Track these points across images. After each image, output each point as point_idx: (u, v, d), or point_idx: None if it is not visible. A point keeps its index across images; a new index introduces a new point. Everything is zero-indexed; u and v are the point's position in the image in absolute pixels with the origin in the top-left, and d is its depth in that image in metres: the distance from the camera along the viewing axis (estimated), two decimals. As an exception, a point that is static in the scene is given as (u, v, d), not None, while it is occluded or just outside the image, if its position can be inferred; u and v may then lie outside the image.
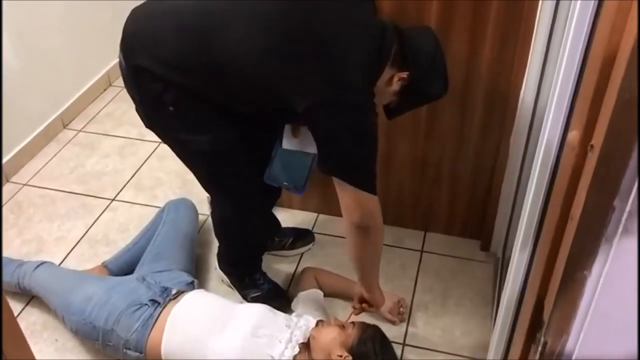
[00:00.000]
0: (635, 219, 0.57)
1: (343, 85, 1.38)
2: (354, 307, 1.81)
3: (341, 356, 1.52)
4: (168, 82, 1.45)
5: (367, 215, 1.51)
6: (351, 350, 1.53)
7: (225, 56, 1.40)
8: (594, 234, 0.59)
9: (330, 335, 1.57)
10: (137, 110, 1.58)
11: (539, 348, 0.73)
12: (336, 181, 1.46)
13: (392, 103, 1.54)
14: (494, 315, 1.78)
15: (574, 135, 0.65)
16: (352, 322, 1.62)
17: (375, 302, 1.78)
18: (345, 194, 1.47)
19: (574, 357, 0.67)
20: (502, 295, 1.38)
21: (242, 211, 1.77)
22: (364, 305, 1.81)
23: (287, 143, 1.71)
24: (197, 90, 1.47)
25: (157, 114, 1.53)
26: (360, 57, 1.39)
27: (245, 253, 1.95)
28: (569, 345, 0.67)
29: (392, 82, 1.46)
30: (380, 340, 1.60)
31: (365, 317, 1.86)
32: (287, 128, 1.71)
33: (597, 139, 0.58)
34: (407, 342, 1.82)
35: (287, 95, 1.40)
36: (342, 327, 1.59)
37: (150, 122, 1.58)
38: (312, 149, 1.61)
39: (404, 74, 1.45)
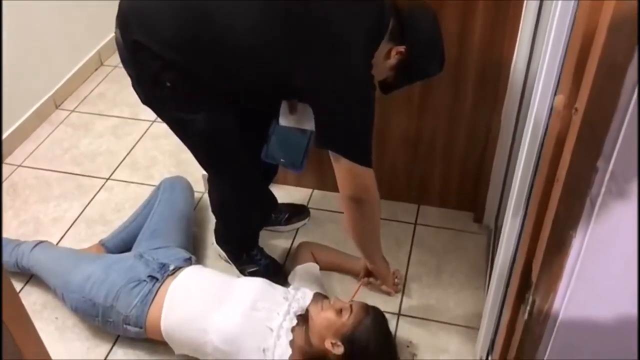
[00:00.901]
0: (617, 180, 0.59)
1: (342, 60, 1.39)
2: (362, 279, 1.84)
3: (334, 344, 1.54)
4: (166, 61, 1.44)
5: (362, 188, 1.52)
6: (344, 340, 1.54)
7: (225, 34, 1.40)
8: (578, 194, 0.62)
9: (326, 320, 1.58)
10: (133, 86, 1.58)
11: (528, 307, 0.76)
12: (332, 155, 1.48)
13: (388, 78, 1.54)
14: (487, 285, 1.82)
15: (559, 99, 0.66)
16: (351, 306, 1.60)
17: (379, 274, 1.81)
18: (341, 167, 1.49)
19: (561, 315, 0.70)
20: (495, 264, 1.41)
21: (240, 190, 1.78)
22: (370, 279, 1.83)
23: (284, 120, 1.72)
24: (195, 70, 1.48)
25: (154, 91, 1.53)
26: (359, 30, 1.40)
27: (243, 231, 1.96)
28: (556, 303, 0.69)
29: (389, 56, 1.47)
30: (375, 331, 1.58)
31: (363, 291, 1.90)
32: (284, 105, 1.72)
33: (581, 103, 0.60)
34: (402, 313, 1.86)
35: (286, 71, 1.40)
36: (340, 311, 1.58)
37: (147, 99, 1.58)
38: (309, 125, 1.62)
39: (402, 48, 1.46)
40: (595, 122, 0.58)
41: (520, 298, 0.82)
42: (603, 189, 0.60)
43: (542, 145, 1.02)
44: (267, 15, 1.38)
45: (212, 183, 1.86)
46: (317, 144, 1.52)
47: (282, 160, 1.74)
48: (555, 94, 0.95)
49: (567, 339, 0.72)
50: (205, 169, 1.80)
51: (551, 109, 0.99)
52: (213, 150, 1.66)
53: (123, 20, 1.48)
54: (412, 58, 1.48)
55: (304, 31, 1.38)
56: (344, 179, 1.51)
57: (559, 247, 0.67)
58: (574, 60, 0.62)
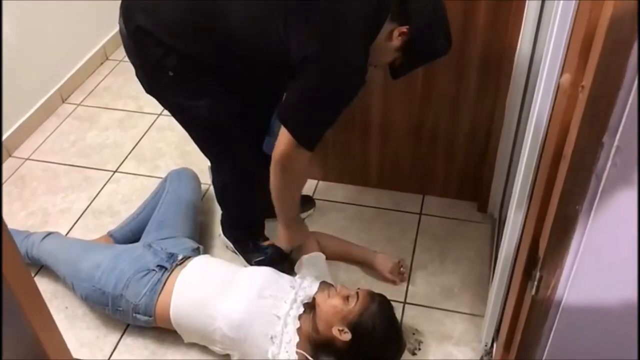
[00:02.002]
0: (623, 154, 0.61)
1: (343, 39, 1.40)
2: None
3: (341, 331, 1.56)
4: (169, 47, 1.47)
5: (293, 163, 1.54)
6: (350, 326, 1.56)
7: (225, 11, 1.42)
8: (585, 169, 0.63)
9: (332, 307, 1.60)
10: (137, 75, 1.60)
11: (535, 283, 0.78)
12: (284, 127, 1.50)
13: (396, 61, 1.53)
14: (491, 273, 1.84)
15: (565, 78, 0.68)
16: (357, 294, 1.62)
17: (280, 238, 1.84)
18: (286, 139, 1.49)
19: (567, 289, 0.71)
20: (500, 251, 1.42)
21: (241, 178, 1.80)
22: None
23: None
24: (197, 56, 1.50)
25: (157, 79, 1.55)
26: (361, 9, 1.41)
27: (247, 219, 1.98)
28: (563, 278, 0.71)
29: (392, 37, 1.46)
30: (381, 318, 1.59)
31: (369, 280, 1.92)
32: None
33: (588, 80, 0.62)
34: (407, 301, 1.88)
35: (287, 47, 1.41)
36: (346, 299, 1.60)
37: (150, 87, 1.61)
38: None
39: (404, 28, 1.45)
40: (602, 98, 0.60)
41: (527, 275, 0.84)
42: (609, 164, 0.61)
43: (548, 128, 1.03)
44: None
45: (214, 170, 1.88)
46: (277, 115, 1.53)
47: None
48: (561, 75, 0.96)
49: (573, 312, 0.74)
50: (207, 156, 1.82)
51: (557, 89, 1.01)
52: (215, 138, 1.68)
53: (126, 8, 1.51)
54: (415, 37, 1.46)
55: (308, 10, 1.40)
56: (283, 149, 1.51)
57: (565, 222, 0.68)
58: (580, 38, 0.63)
